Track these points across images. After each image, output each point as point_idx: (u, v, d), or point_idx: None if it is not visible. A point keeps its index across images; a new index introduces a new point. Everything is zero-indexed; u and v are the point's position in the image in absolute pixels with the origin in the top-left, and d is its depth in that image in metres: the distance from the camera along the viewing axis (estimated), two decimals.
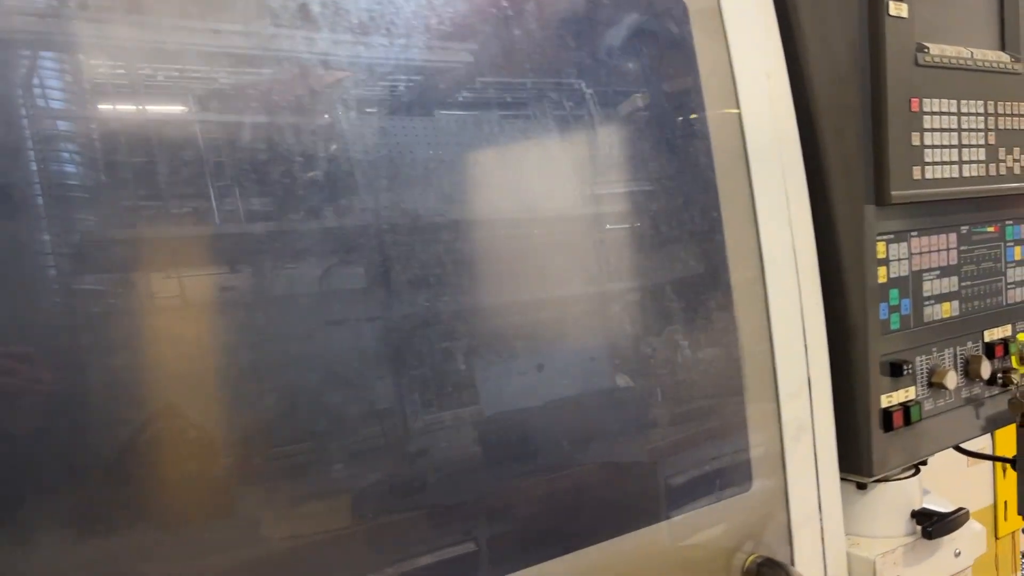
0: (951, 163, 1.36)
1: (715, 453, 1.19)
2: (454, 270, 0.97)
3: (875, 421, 1.30)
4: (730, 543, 1.18)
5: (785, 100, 1.29)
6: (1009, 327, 1.51)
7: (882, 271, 1.30)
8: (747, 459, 1.21)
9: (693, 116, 1.19)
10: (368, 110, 0.96)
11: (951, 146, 1.36)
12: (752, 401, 1.22)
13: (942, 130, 1.34)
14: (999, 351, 1.47)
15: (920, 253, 1.36)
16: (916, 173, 1.30)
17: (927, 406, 1.37)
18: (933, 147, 1.33)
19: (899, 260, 1.33)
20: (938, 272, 1.39)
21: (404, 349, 0.96)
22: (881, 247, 1.30)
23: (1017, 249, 1.53)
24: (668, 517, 1.12)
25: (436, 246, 0.96)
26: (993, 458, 1.65)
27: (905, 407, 1.32)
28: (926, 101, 1.32)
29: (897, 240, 1.32)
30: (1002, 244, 1.50)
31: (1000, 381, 1.47)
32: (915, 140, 1.30)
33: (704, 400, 1.19)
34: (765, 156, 1.25)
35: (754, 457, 1.21)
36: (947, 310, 1.40)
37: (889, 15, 1.26)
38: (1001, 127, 1.44)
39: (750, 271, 1.22)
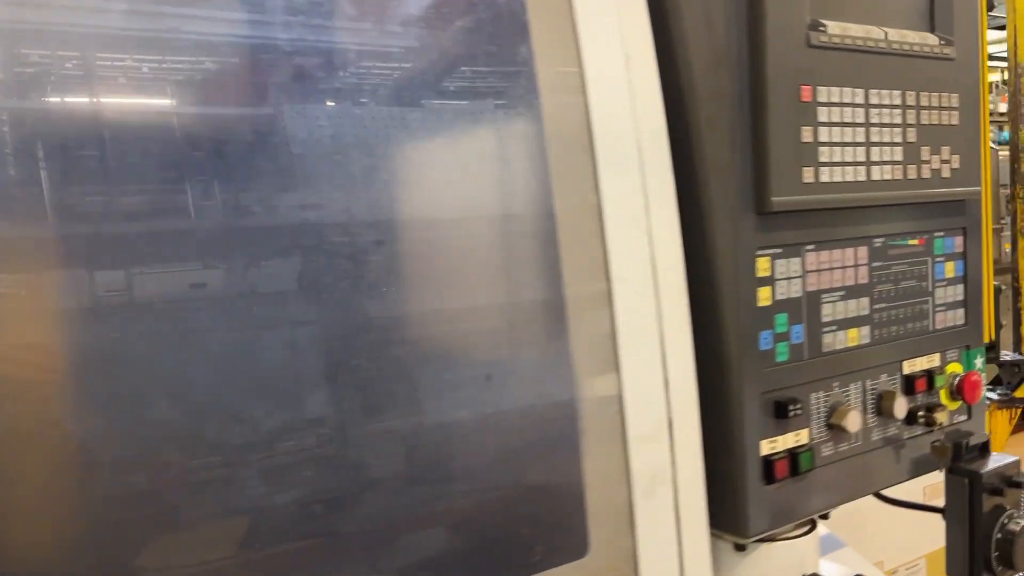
0: (855, 164, 1.13)
1: (539, 512, 0.98)
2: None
3: (752, 471, 1.07)
4: None
5: (650, 87, 1.07)
6: (936, 356, 1.28)
7: (764, 292, 1.08)
8: (583, 518, 0.99)
9: (520, 104, 0.98)
10: None
11: (855, 144, 1.13)
12: (592, 448, 1.00)
13: (843, 124, 1.12)
14: (921, 385, 1.24)
15: (819, 270, 1.14)
16: (807, 175, 1.08)
17: (825, 451, 1.15)
18: (832, 145, 1.11)
19: (789, 279, 1.10)
20: (843, 293, 1.16)
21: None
22: (763, 263, 1.08)
23: (949, 265, 1.30)
24: None
25: None
26: (919, 507, 1.43)
27: (792, 454, 1.10)
28: (821, 90, 1.09)
29: (787, 255, 1.10)
30: (929, 260, 1.27)
31: (922, 420, 1.24)
32: (806, 135, 1.08)
33: (526, 448, 0.97)
34: (620, 154, 1.03)
35: (592, 515, 1.00)
36: (854, 337, 1.18)
37: None
38: (925, 122, 1.21)
39: (594, 291, 1.01)
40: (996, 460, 1.30)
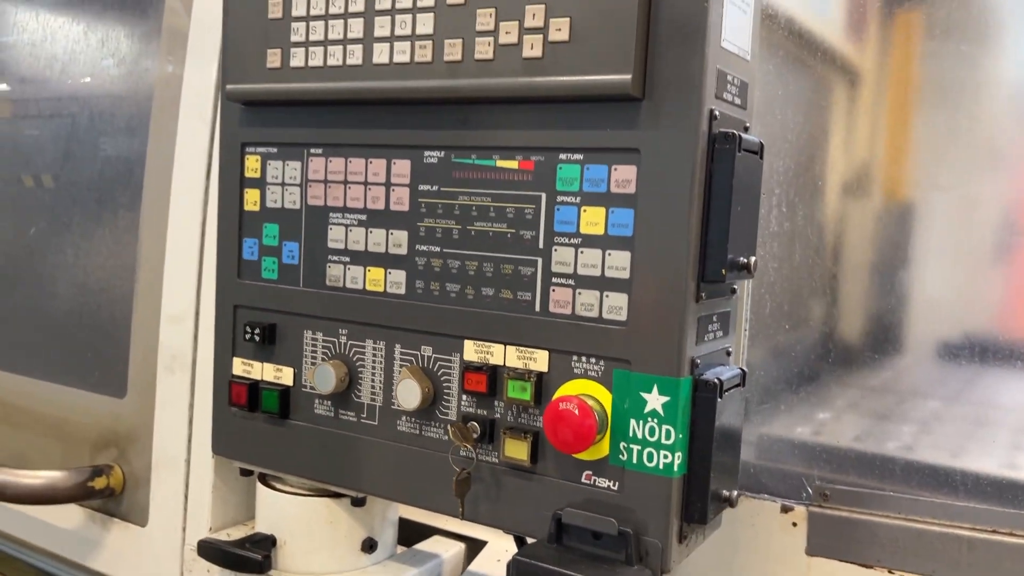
0: (344, 43, 0.81)
1: (90, 346, 1.12)
2: None
3: (221, 384, 0.94)
4: (93, 438, 1.11)
5: None
6: (541, 356, 0.75)
7: (252, 195, 0.91)
8: (125, 368, 1.08)
9: None
10: None
11: (345, 15, 0.80)
12: (140, 309, 1.07)
13: None
14: (474, 382, 0.77)
15: (326, 181, 0.86)
16: (272, 59, 0.85)
17: (303, 406, 0.88)
18: (309, 19, 0.83)
19: (284, 185, 0.89)
20: (361, 217, 0.84)
21: None
22: (252, 162, 0.91)
23: (591, 213, 0.72)
24: (41, 377, 1.17)
25: None
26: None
27: (254, 386, 0.90)
28: None
29: (284, 157, 0.89)
30: (543, 197, 0.74)
31: (453, 434, 0.77)
32: (274, 10, 0.85)
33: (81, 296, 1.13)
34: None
35: (132, 370, 1.08)
36: (377, 280, 0.83)
37: None
38: None
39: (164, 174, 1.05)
40: None
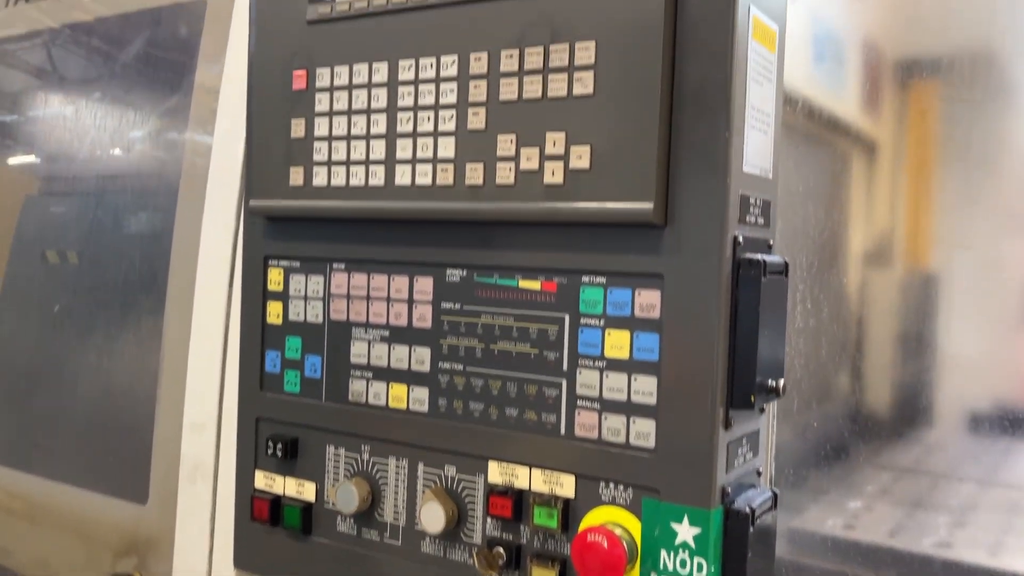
0: (367, 163, 0.81)
1: (107, 449, 1.12)
2: None
3: (242, 498, 0.93)
4: (115, 543, 1.10)
5: None
6: (567, 480, 0.73)
7: (274, 308, 0.91)
8: (147, 475, 1.08)
9: None
10: None
11: (367, 137, 0.81)
12: (162, 415, 1.07)
13: (354, 112, 0.82)
14: (499, 507, 0.75)
15: (349, 296, 0.86)
16: (295, 177, 0.86)
17: (326, 522, 0.86)
18: (331, 139, 0.83)
19: (307, 299, 0.89)
20: (382, 333, 0.84)
21: None
22: (275, 275, 0.91)
23: (616, 336, 0.71)
24: (64, 480, 1.16)
25: None
26: None
27: (276, 501, 0.89)
28: (322, 72, 0.84)
29: (307, 271, 0.89)
30: (566, 318, 0.73)
31: (480, 560, 0.75)
32: (297, 130, 0.85)
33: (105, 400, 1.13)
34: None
35: (154, 477, 1.07)
36: (399, 397, 0.83)
37: None
38: (508, 98, 0.73)
39: (188, 275, 1.06)
40: None
